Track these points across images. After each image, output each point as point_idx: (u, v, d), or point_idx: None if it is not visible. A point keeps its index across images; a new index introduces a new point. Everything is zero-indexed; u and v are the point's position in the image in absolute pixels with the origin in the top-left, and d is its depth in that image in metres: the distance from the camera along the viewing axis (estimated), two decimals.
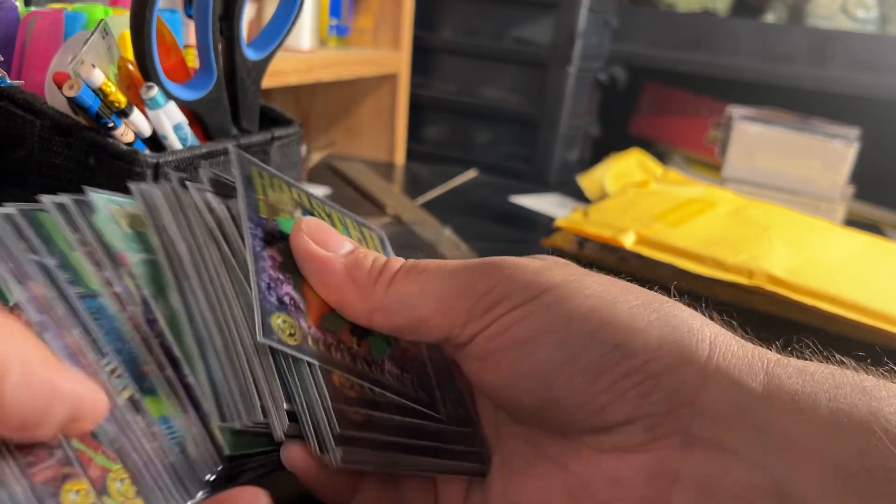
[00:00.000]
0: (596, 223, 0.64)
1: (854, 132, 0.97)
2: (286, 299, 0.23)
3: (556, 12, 0.95)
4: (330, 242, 0.24)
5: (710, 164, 1.14)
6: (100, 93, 0.31)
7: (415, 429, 0.24)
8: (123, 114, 0.32)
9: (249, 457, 0.22)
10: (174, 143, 0.35)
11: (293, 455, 0.21)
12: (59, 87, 0.31)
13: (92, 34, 0.33)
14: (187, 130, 0.35)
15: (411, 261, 0.24)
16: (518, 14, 0.98)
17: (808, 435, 0.19)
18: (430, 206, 0.77)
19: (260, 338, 0.20)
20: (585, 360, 0.21)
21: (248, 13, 0.39)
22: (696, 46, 1.17)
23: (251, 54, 0.39)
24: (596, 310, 0.21)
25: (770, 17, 1.21)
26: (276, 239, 0.24)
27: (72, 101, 0.31)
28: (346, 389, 0.23)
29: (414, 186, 0.86)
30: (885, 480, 0.18)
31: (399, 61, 0.94)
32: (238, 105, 0.39)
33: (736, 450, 0.20)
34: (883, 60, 1.07)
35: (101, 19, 0.34)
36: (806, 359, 0.21)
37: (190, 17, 0.36)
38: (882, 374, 0.21)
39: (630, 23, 1.17)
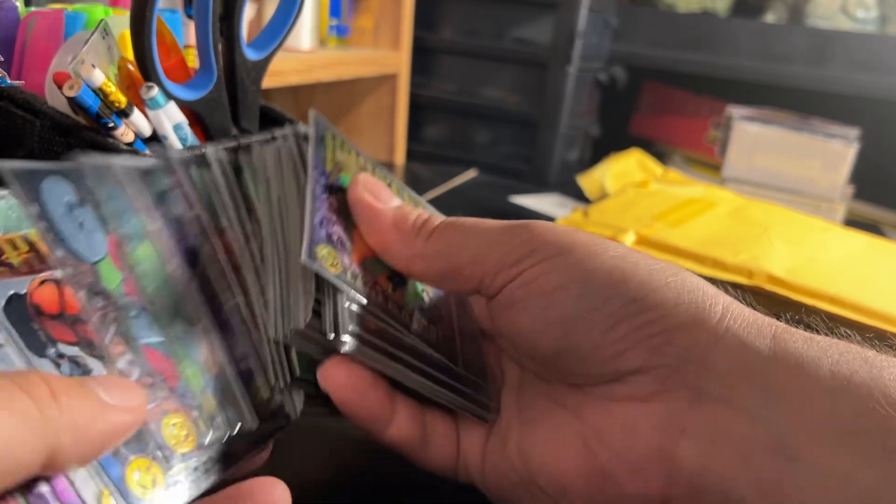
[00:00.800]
0: (596, 223, 0.64)
1: (854, 132, 0.97)
2: (334, 237, 0.25)
3: (556, 12, 0.95)
4: (381, 195, 0.27)
5: (710, 164, 1.14)
6: (100, 93, 0.31)
7: (431, 358, 0.26)
8: (124, 114, 0.32)
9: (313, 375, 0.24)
10: (174, 143, 0.35)
11: (329, 371, 0.23)
12: (60, 88, 0.31)
13: (92, 34, 0.33)
14: (187, 130, 0.35)
15: (451, 217, 0.27)
16: (518, 14, 0.98)
17: (809, 395, 0.20)
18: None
19: (304, 258, 0.22)
20: (605, 310, 0.22)
21: (248, 13, 0.39)
22: (696, 46, 1.17)
23: (251, 54, 0.39)
24: (618, 267, 0.23)
25: (770, 18, 1.21)
26: (336, 190, 0.27)
27: (72, 102, 0.31)
28: (373, 320, 0.25)
29: (414, 186, 0.86)
30: (882, 441, 0.18)
31: (399, 61, 0.94)
32: (238, 105, 0.39)
33: (740, 405, 0.21)
34: (883, 60, 1.07)
35: (102, 19, 0.34)
36: (814, 332, 0.23)
37: (190, 17, 0.36)
38: (884, 348, 0.22)
39: (630, 23, 1.17)
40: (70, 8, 0.38)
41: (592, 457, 0.23)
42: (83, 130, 0.33)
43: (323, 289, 0.24)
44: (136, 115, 0.33)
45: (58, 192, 0.23)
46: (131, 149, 0.33)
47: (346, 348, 0.23)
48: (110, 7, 0.41)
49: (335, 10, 0.87)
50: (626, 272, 0.23)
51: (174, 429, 0.22)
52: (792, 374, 0.20)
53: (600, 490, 0.23)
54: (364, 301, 0.25)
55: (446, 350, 0.27)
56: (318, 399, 0.25)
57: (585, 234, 0.25)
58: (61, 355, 0.21)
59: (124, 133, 0.33)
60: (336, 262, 0.24)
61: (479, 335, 0.30)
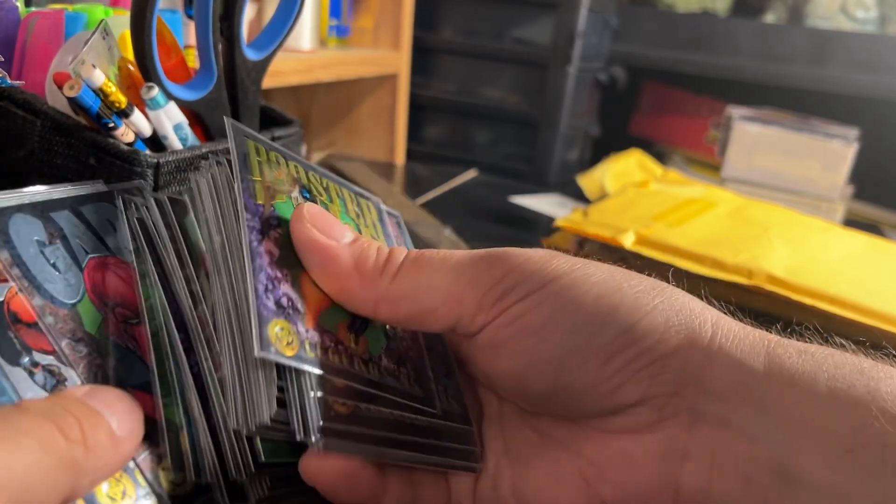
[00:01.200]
0: (596, 223, 0.64)
1: (853, 132, 0.97)
2: (284, 301, 0.22)
3: (556, 12, 0.95)
4: (333, 230, 0.24)
5: (709, 164, 1.14)
6: (100, 93, 0.31)
7: (407, 424, 0.24)
8: (124, 114, 0.32)
9: (285, 465, 0.22)
10: (174, 143, 0.35)
11: (309, 463, 0.22)
12: (60, 88, 0.31)
13: (92, 34, 0.33)
14: (187, 130, 0.35)
15: (415, 251, 0.24)
16: (518, 14, 0.98)
17: (806, 411, 0.19)
18: (430, 206, 0.77)
19: (257, 352, 0.20)
20: (597, 344, 0.21)
21: (248, 13, 0.39)
22: (696, 46, 1.17)
23: (251, 54, 0.39)
24: (604, 295, 0.22)
25: (770, 18, 1.21)
26: (274, 226, 0.24)
27: (72, 102, 0.31)
28: (338, 383, 0.23)
29: (414, 186, 0.86)
30: (881, 455, 0.18)
31: (399, 61, 0.94)
32: (238, 105, 0.39)
33: (739, 426, 0.20)
34: (882, 60, 1.07)
35: (102, 20, 0.34)
36: (807, 342, 0.22)
37: (190, 17, 0.36)
38: (880, 357, 0.21)
39: (630, 23, 1.17)
40: (70, 8, 0.38)
41: (593, 492, 0.23)
42: (83, 130, 0.33)
43: (283, 373, 0.22)
44: (137, 116, 0.33)
45: (27, 231, 0.22)
46: (131, 149, 0.33)
47: (318, 446, 0.21)
48: (111, 7, 0.41)
49: (335, 11, 0.87)
50: (613, 300, 0.22)
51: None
52: (788, 391, 0.20)
53: None
54: (329, 377, 0.22)
55: (422, 396, 0.25)
56: (287, 480, 0.23)
57: (564, 259, 0.23)
58: (36, 364, 0.20)
59: (125, 133, 0.33)
60: (292, 339, 0.22)
61: (454, 367, 0.27)
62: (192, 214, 0.25)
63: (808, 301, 0.52)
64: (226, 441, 0.22)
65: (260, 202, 0.24)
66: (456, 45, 1.02)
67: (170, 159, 0.33)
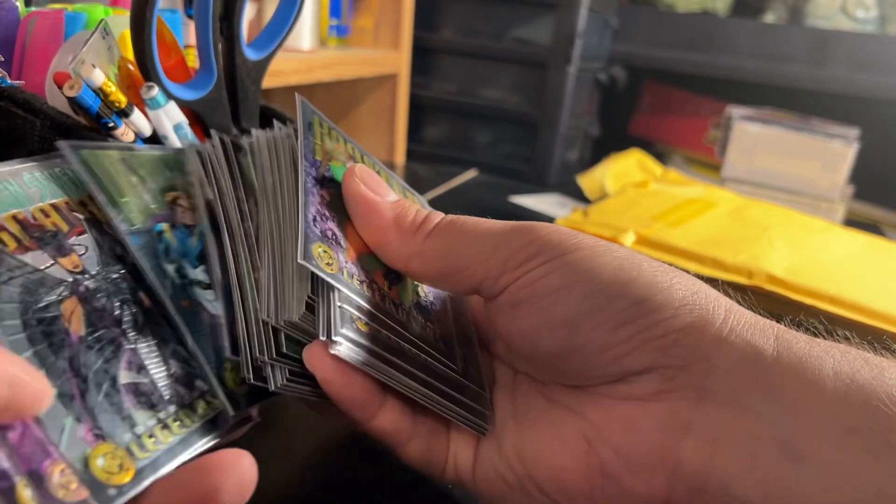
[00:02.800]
0: (596, 223, 0.64)
1: (853, 132, 0.97)
2: (328, 233, 0.25)
3: (556, 12, 0.95)
4: (379, 188, 0.26)
5: (709, 164, 1.14)
6: (100, 93, 0.31)
7: (424, 363, 0.25)
8: (124, 114, 0.32)
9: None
10: (174, 143, 0.35)
11: (314, 350, 0.23)
12: (60, 87, 0.31)
13: (92, 34, 0.33)
14: (188, 130, 0.35)
15: (451, 216, 0.26)
16: (518, 14, 0.98)
17: (813, 394, 0.20)
18: (430, 206, 0.77)
19: (300, 259, 0.22)
20: (611, 310, 0.22)
21: (248, 13, 0.39)
22: (696, 46, 1.17)
23: (251, 54, 0.39)
24: (623, 268, 0.23)
25: (770, 18, 1.21)
26: (327, 182, 0.26)
27: (72, 101, 0.31)
28: (365, 309, 0.24)
29: (414, 186, 0.86)
30: (885, 438, 0.19)
31: (399, 61, 0.94)
32: (238, 105, 0.39)
33: (746, 404, 0.21)
34: (882, 60, 1.07)
35: (102, 19, 0.34)
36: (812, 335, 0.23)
37: (190, 17, 0.36)
38: (882, 351, 0.22)
39: (630, 23, 1.17)
40: (70, 8, 0.38)
41: (594, 455, 0.23)
42: (83, 130, 0.33)
43: (317, 287, 0.23)
44: (137, 115, 0.33)
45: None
46: (129, 145, 0.33)
47: (338, 350, 0.22)
48: (110, 7, 0.41)
49: (335, 10, 0.87)
50: (631, 273, 0.23)
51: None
52: (796, 373, 0.20)
53: (601, 489, 0.23)
54: (360, 301, 0.24)
55: (445, 352, 0.27)
56: (303, 379, 0.25)
57: (587, 236, 0.24)
58: None
59: (125, 133, 0.33)
60: (332, 261, 0.24)
61: (475, 339, 0.29)
62: (249, 157, 0.28)
63: (808, 301, 0.52)
64: (254, 329, 0.23)
65: (318, 158, 0.27)
66: (456, 45, 1.02)
67: None
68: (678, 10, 1.22)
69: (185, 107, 0.36)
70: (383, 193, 0.26)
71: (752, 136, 0.97)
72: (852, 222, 0.92)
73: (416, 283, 0.28)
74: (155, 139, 0.35)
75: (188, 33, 0.42)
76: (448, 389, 0.25)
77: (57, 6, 0.38)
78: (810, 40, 1.11)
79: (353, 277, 0.24)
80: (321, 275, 0.23)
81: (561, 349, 0.23)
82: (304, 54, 0.75)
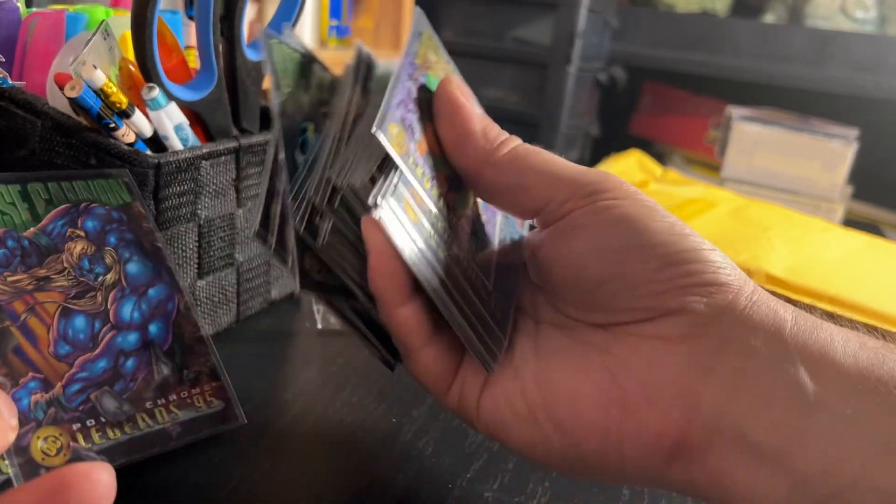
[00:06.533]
0: None
1: (853, 132, 0.97)
2: (406, 122, 0.26)
3: (556, 12, 0.95)
4: (471, 99, 0.28)
5: (709, 164, 1.14)
6: (101, 94, 0.31)
7: (456, 274, 0.26)
8: (125, 114, 0.33)
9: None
10: (175, 143, 0.35)
11: (371, 223, 0.23)
12: (61, 88, 0.31)
13: (93, 35, 0.33)
14: (188, 131, 0.36)
15: (532, 145, 0.27)
16: (518, 14, 0.99)
17: (828, 352, 0.22)
18: None
19: (375, 128, 0.23)
20: (663, 250, 0.24)
21: (248, 14, 0.39)
22: (696, 47, 1.17)
23: (252, 55, 0.39)
24: (679, 224, 0.25)
25: (769, 18, 1.21)
26: (419, 85, 0.27)
27: (73, 102, 0.31)
28: (419, 199, 0.25)
29: None
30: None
31: None
32: (239, 105, 0.39)
33: (766, 357, 0.22)
34: (882, 61, 1.07)
35: (103, 20, 0.34)
36: None
37: (191, 18, 0.36)
38: (881, 339, 0.24)
39: (630, 23, 1.17)
40: (71, 9, 0.38)
41: (616, 385, 0.24)
42: (84, 131, 0.33)
43: (382, 166, 0.25)
44: (138, 116, 0.33)
45: None
46: (132, 149, 0.33)
47: (379, 212, 0.23)
48: (111, 8, 0.41)
49: (335, 11, 0.87)
50: (685, 230, 0.25)
51: None
52: (812, 336, 0.22)
53: (617, 421, 0.24)
54: (417, 187, 0.25)
55: (479, 276, 0.27)
56: (320, 284, 0.26)
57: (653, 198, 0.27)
58: None
59: (125, 133, 0.33)
60: (402, 144, 0.25)
61: (514, 298, 0.29)
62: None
63: (808, 301, 0.52)
64: (321, 189, 0.25)
65: (417, 62, 0.28)
66: (456, 45, 1.02)
67: (171, 160, 0.33)
68: (678, 10, 1.22)
69: (186, 107, 0.36)
70: (474, 104, 0.28)
71: (751, 137, 0.97)
72: (852, 222, 0.92)
73: (474, 200, 0.29)
74: (156, 139, 0.35)
75: (189, 34, 0.42)
76: (468, 311, 0.26)
77: (58, 7, 0.38)
78: (810, 40, 1.12)
79: (417, 166, 0.25)
80: (388, 149, 0.24)
81: (605, 276, 0.25)
82: None
